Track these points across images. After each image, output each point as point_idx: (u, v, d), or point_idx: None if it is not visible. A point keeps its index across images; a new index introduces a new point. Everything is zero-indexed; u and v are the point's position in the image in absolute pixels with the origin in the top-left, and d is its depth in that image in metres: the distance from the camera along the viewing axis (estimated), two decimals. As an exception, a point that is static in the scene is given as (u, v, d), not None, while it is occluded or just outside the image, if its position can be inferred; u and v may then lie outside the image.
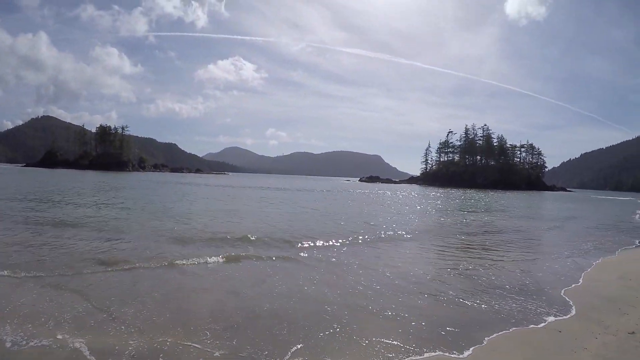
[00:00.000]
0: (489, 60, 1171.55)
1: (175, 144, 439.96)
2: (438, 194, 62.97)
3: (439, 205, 37.55)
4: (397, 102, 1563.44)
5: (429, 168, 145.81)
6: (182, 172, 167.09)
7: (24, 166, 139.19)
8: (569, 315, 6.66)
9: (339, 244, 12.50)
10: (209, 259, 9.55)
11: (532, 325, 6.14)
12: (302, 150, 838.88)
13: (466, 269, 10.01)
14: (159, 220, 16.18)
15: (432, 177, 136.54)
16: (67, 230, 13.02)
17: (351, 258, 10.68)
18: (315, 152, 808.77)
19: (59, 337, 5.09)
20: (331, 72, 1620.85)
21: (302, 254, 10.91)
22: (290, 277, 8.60)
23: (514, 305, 7.08)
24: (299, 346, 5.16)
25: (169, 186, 49.08)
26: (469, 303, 7.14)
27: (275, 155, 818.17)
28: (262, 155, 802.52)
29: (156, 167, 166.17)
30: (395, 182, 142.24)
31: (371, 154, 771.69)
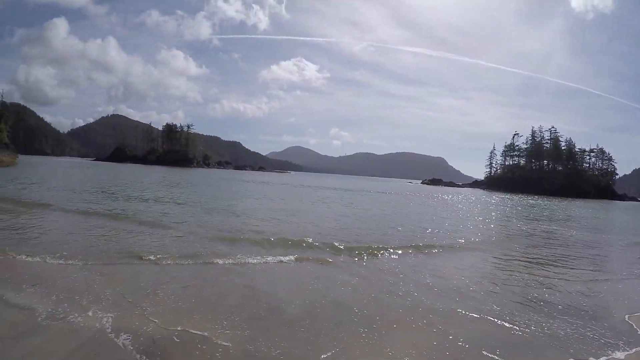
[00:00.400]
0: (554, 56, 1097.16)
1: (239, 143, 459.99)
2: (501, 200, 59.42)
3: (501, 211, 35.35)
4: (462, 101, 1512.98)
5: (493, 172, 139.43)
6: (245, 169, 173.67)
7: (94, 160, 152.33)
8: (634, 350, 5.63)
9: (387, 250, 11.81)
10: (250, 260, 9.44)
11: (591, 358, 5.29)
12: (365, 151, 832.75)
13: (519, 284, 9.08)
14: (210, 216, 16.70)
15: (497, 182, 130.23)
16: (118, 222, 13.85)
17: (396, 264, 10.18)
18: (378, 153, 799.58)
19: (90, 313, 5.50)
20: (393, 71, 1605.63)
21: (345, 259, 10.49)
22: (326, 280, 8.32)
23: (569, 330, 6.21)
24: (316, 347, 4.96)
25: (229, 183, 50.57)
26: (518, 322, 6.39)
27: (338, 155, 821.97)
28: (326, 155, 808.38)
29: (220, 164, 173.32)
30: (458, 186, 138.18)
31: (435, 155, 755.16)
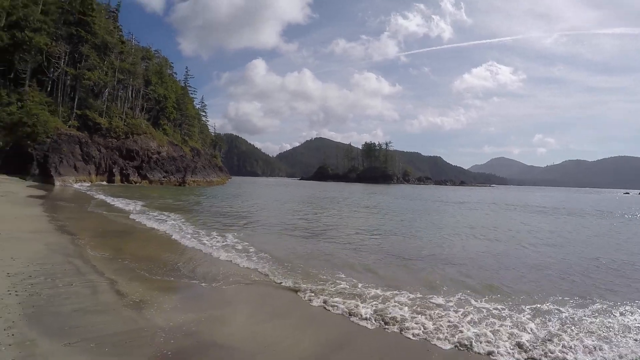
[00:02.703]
0: None
1: (440, 157, 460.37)
2: None
3: None
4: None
5: None
6: (446, 184, 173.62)
7: (300, 179, 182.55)
8: None
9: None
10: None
11: None
12: (574, 158, 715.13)
13: None
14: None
15: None
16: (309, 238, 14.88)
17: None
18: (589, 160, 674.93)
19: (166, 313, 6.44)
20: (593, 60, 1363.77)
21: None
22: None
23: None
24: None
25: (418, 203, 47.23)
26: None
27: (545, 165, 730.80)
28: (531, 165, 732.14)
29: (420, 180, 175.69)
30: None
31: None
